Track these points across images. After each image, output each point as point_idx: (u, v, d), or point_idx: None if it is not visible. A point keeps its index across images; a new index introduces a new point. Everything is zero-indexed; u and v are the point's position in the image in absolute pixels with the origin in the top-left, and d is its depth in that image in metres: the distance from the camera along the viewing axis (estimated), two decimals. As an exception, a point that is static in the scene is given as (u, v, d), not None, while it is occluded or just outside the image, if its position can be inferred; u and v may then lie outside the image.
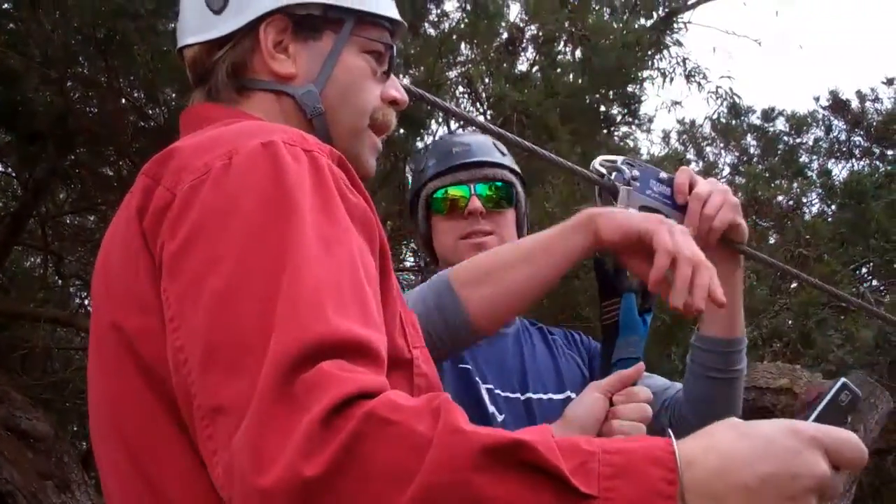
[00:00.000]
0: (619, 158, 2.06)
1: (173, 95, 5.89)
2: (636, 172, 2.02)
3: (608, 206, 1.98)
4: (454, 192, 2.37)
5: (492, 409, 2.18)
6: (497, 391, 2.22)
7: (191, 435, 1.19)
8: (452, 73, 6.35)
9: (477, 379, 2.21)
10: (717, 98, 12.40)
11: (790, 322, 8.36)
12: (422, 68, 5.93)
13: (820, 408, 1.63)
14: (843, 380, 1.66)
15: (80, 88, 6.10)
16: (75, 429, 9.65)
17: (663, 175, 2.05)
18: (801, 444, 1.09)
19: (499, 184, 2.39)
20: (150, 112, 6.02)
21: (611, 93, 6.78)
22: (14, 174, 7.63)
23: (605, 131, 6.87)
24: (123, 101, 5.87)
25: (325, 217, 1.21)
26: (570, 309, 5.91)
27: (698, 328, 2.21)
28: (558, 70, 6.47)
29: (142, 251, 1.27)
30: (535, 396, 2.27)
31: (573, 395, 2.18)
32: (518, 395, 2.24)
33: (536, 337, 2.47)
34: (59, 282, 8.47)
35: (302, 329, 1.10)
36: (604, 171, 2.04)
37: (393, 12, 1.63)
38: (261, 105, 1.52)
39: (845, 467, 1.13)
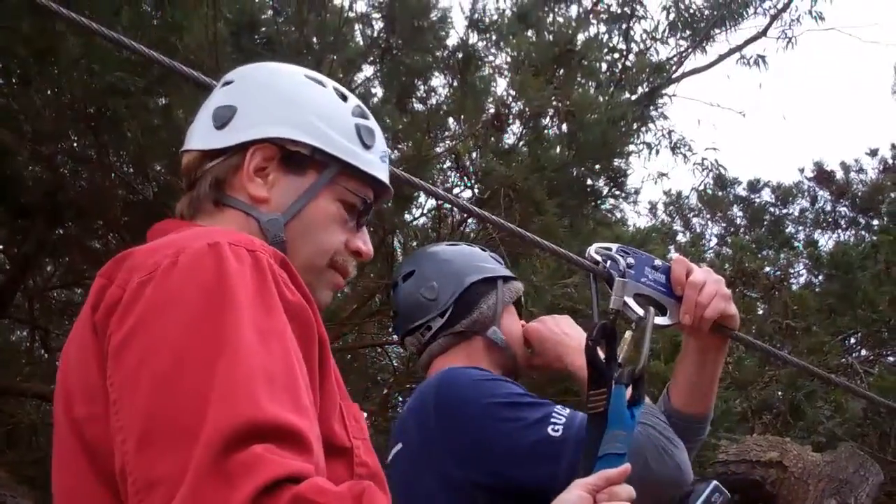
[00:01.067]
0: (615, 246, 2.13)
1: (162, 170, 5.93)
2: (631, 260, 2.08)
3: (602, 292, 2.03)
4: None
5: None
6: None
7: None
8: (440, 148, 6.40)
9: None
10: (703, 169, 12.56)
11: (780, 394, 8.35)
12: (409, 143, 5.99)
13: None
14: (714, 482, 1.67)
15: (70, 163, 6.14)
16: (59, 505, 9.52)
17: (658, 262, 2.12)
18: None
19: None
20: (139, 187, 6.04)
21: (597, 166, 6.84)
22: (2, 248, 7.63)
23: (592, 204, 6.92)
24: (113, 175, 5.89)
25: (262, 311, 1.30)
26: (560, 383, 5.89)
27: (668, 391, 2.24)
28: (545, 144, 6.54)
29: (92, 344, 1.37)
30: None
31: None
32: None
33: None
34: (46, 356, 8.42)
35: (236, 412, 1.18)
36: (599, 258, 2.10)
37: (379, 173, 1.72)
38: (232, 222, 1.61)
39: None
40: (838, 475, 6.28)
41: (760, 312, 11.10)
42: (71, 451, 1.39)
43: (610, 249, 2.11)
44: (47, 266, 7.71)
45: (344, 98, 1.73)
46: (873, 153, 17.17)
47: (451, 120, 6.61)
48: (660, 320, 2.07)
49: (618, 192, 7.11)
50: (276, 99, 1.67)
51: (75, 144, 6.01)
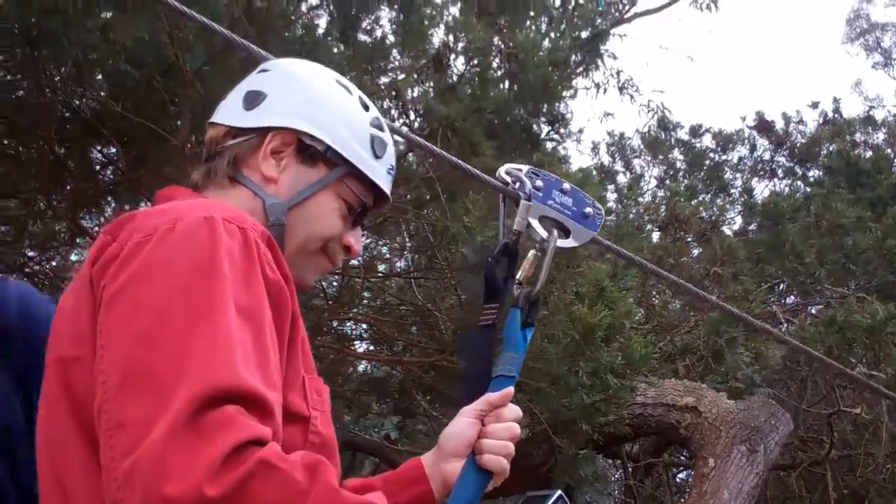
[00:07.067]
0: (525, 168, 2.15)
1: (104, 86, 5.85)
2: (539, 182, 2.11)
3: (511, 212, 2.10)
4: None
5: None
6: None
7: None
8: (382, 81, 6.38)
9: None
10: (649, 111, 12.65)
11: (703, 338, 8.54)
12: (353, 74, 5.97)
13: None
14: (558, 492, 1.77)
15: (9, 73, 6.03)
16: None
17: (566, 186, 2.14)
18: None
19: None
20: (76, 103, 5.97)
21: (543, 107, 6.85)
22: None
23: (529, 147, 6.95)
24: (48, 91, 5.81)
25: (244, 287, 1.43)
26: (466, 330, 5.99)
27: None
28: (488, 82, 6.53)
29: (87, 294, 1.51)
30: None
31: None
32: None
33: None
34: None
35: (214, 373, 1.31)
36: (509, 179, 2.14)
37: (382, 183, 1.87)
38: (239, 198, 1.75)
39: None
40: (750, 423, 6.51)
41: (695, 255, 11.32)
42: (54, 395, 1.51)
43: (520, 171, 2.13)
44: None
45: (366, 108, 1.89)
46: (814, 105, 17.43)
47: (394, 54, 6.57)
48: (563, 242, 2.11)
49: (556, 137, 7.15)
50: (305, 95, 1.82)
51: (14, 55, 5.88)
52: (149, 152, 5.95)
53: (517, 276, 2.02)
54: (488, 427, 1.82)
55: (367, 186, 1.85)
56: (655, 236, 10.98)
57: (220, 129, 1.83)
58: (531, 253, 2.06)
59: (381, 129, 1.89)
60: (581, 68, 7.64)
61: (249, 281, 1.44)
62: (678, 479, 11.67)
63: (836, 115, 17.50)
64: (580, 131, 12.85)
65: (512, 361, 1.92)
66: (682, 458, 10.45)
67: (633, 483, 9.55)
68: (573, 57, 7.14)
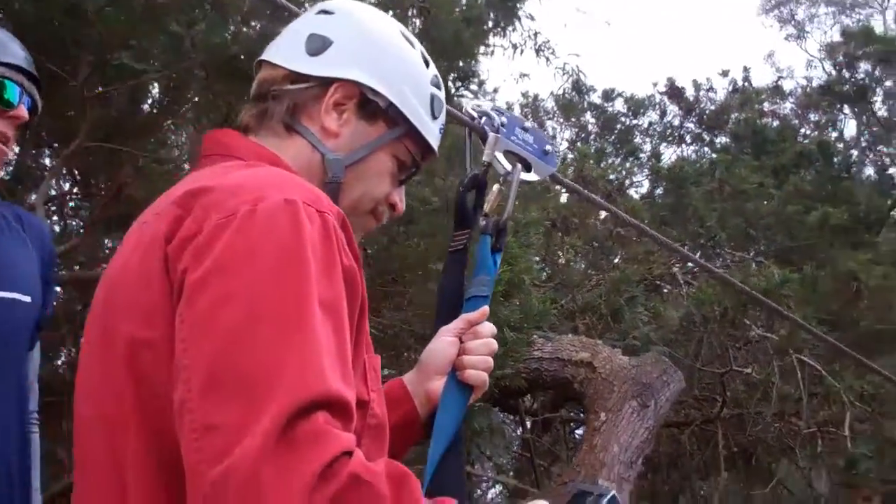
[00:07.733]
0: (489, 105, 2.26)
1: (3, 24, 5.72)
2: (504, 119, 2.23)
3: (476, 147, 2.23)
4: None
5: None
6: None
7: (181, 443, 1.31)
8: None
9: None
10: (564, 74, 12.76)
11: (603, 297, 8.74)
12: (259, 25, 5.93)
13: None
14: (612, 492, 1.81)
15: None
16: None
17: (527, 124, 2.27)
18: None
19: None
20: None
21: (458, 63, 6.88)
22: None
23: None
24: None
25: (326, 280, 1.39)
26: (390, 274, 6.07)
27: None
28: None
29: (161, 272, 1.43)
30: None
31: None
32: None
33: None
34: None
35: (307, 383, 1.28)
36: (475, 115, 2.25)
37: (435, 143, 1.85)
38: (296, 149, 1.72)
39: None
40: (642, 379, 6.68)
41: (602, 216, 11.52)
42: (115, 371, 1.45)
43: (485, 108, 2.24)
44: None
45: (427, 64, 1.84)
46: (725, 74, 17.83)
47: (306, 6, 6.52)
48: (525, 176, 2.24)
49: (469, 95, 7.19)
50: (373, 47, 1.76)
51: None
52: (50, 95, 5.83)
53: (484, 209, 2.13)
54: (467, 344, 1.93)
55: (421, 146, 1.82)
56: (564, 197, 11.15)
57: (277, 72, 1.75)
58: (495, 187, 2.18)
59: (439, 87, 1.86)
60: (498, 28, 7.68)
61: (330, 272, 1.40)
62: (576, 435, 11.95)
63: (745, 84, 17.92)
64: (495, 91, 12.90)
65: (485, 283, 2.04)
66: (580, 414, 10.69)
67: (531, 437, 9.76)
68: (490, 15, 7.16)
